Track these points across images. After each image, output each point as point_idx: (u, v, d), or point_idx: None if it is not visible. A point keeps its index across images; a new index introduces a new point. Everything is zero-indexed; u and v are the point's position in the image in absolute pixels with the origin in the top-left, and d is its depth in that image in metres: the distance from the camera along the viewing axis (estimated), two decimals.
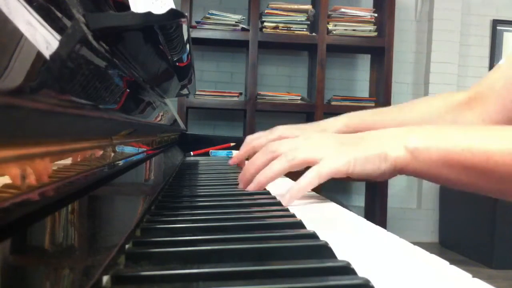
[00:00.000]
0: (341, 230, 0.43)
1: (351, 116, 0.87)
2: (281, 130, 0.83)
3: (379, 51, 2.83)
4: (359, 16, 2.80)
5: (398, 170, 0.55)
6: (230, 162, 0.90)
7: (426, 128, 0.57)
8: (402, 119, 0.82)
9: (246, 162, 0.68)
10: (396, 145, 0.54)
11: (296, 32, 2.75)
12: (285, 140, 0.63)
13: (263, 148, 0.63)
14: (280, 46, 2.95)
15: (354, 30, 2.78)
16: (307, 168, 0.56)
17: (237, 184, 0.65)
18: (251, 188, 0.59)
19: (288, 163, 0.57)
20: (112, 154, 0.36)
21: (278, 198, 0.54)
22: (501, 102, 0.73)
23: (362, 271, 0.26)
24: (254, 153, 0.86)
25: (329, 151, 0.56)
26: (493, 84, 0.74)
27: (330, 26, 2.75)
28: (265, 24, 2.74)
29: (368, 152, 0.54)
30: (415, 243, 0.36)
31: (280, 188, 0.62)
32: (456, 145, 0.51)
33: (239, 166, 0.89)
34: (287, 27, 2.75)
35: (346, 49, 2.97)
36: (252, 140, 0.84)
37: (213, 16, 2.70)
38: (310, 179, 0.54)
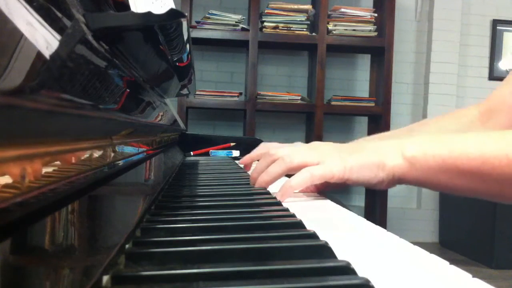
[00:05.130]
0: (341, 230, 0.43)
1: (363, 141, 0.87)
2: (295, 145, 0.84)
3: (379, 51, 2.83)
4: (359, 16, 2.80)
5: (397, 180, 0.55)
6: (240, 162, 0.93)
7: (422, 137, 0.59)
8: None
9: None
10: (394, 154, 0.55)
11: (296, 32, 2.75)
12: (285, 146, 0.66)
13: (264, 155, 0.65)
14: (280, 46, 2.94)
15: (354, 30, 2.78)
16: None
17: (237, 184, 0.66)
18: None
19: (285, 165, 0.59)
20: (112, 154, 0.36)
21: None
22: None
23: (362, 271, 0.26)
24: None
25: (326, 157, 0.57)
26: (504, 97, 0.74)
27: (330, 26, 2.75)
28: (265, 24, 2.74)
29: (365, 160, 0.55)
30: (415, 243, 0.36)
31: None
32: (452, 150, 0.52)
33: (246, 168, 0.91)
34: (287, 27, 2.75)
35: (346, 49, 2.97)
36: (266, 147, 0.86)
37: (213, 16, 2.70)
38: (302, 178, 0.55)
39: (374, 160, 0.55)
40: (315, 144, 0.64)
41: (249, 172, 0.89)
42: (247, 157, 0.91)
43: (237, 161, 1.13)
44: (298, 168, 0.57)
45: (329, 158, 0.57)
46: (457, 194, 0.55)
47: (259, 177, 0.61)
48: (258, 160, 0.90)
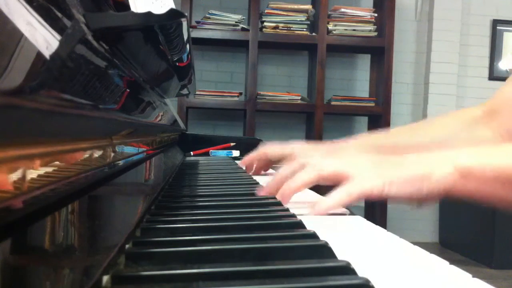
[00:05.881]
0: (341, 230, 0.43)
1: (364, 138, 0.84)
2: (295, 144, 0.82)
3: (379, 51, 2.83)
4: (359, 16, 2.80)
5: (443, 193, 0.49)
6: (240, 162, 0.91)
7: (476, 148, 0.54)
8: (416, 141, 0.78)
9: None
10: (443, 165, 0.49)
11: (296, 32, 2.75)
12: (316, 154, 0.60)
13: (294, 160, 0.59)
14: (280, 46, 2.94)
15: (354, 30, 2.78)
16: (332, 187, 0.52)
17: (237, 184, 0.65)
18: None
19: (316, 173, 0.52)
20: (112, 154, 0.36)
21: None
22: None
23: (362, 271, 0.26)
24: (265, 159, 0.88)
25: (363, 169, 0.51)
26: (506, 96, 0.73)
27: (330, 26, 2.75)
28: (265, 24, 2.74)
29: (408, 173, 0.50)
30: (415, 243, 0.36)
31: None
32: None
33: (247, 169, 0.91)
34: (287, 27, 2.75)
35: (346, 49, 2.97)
36: (266, 148, 0.85)
37: (213, 16, 2.70)
38: (339, 198, 0.49)
39: (418, 173, 0.49)
40: (349, 154, 0.57)
41: (250, 173, 0.89)
42: (246, 159, 0.90)
43: (237, 161, 1.13)
44: (329, 179, 0.52)
45: (365, 171, 0.51)
46: None
47: (285, 184, 0.54)
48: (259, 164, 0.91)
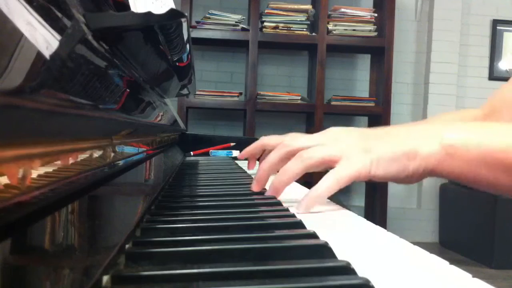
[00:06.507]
0: (341, 230, 0.43)
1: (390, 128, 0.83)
2: (293, 135, 0.81)
3: (379, 51, 2.83)
4: (359, 16, 2.80)
5: (428, 171, 0.48)
6: (239, 156, 0.91)
7: (464, 124, 0.52)
8: None
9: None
10: (429, 142, 0.48)
11: (296, 32, 2.75)
12: (301, 136, 0.59)
13: (278, 145, 0.58)
14: (280, 46, 2.95)
15: (354, 30, 2.78)
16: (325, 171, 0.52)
17: (237, 184, 0.65)
18: (268, 194, 0.55)
19: (304, 163, 0.51)
20: (112, 154, 0.36)
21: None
22: None
23: (362, 271, 0.26)
24: (263, 150, 0.88)
25: (350, 149, 0.50)
26: (505, 96, 0.73)
27: (330, 26, 2.75)
28: (265, 24, 2.74)
29: (395, 150, 0.49)
30: (415, 243, 0.36)
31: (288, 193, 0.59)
32: (499, 143, 0.46)
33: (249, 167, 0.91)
34: (287, 27, 2.75)
35: (346, 49, 2.97)
36: (264, 139, 0.85)
37: (213, 16, 2.70)
38: (328, 185, 0.48)
39: (404, 149, 0.48)
40: (335, 132, 0.55)
41: (250, 171, 0.89)
42: (245, 151, 0.90)
43: (237, 161, 1.13)
44: (318, 166, 0.51)
45: (353, 152, 0.49)
46: (495, 191, 0.49)
47: (275, 178, 0.53)
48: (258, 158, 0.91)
